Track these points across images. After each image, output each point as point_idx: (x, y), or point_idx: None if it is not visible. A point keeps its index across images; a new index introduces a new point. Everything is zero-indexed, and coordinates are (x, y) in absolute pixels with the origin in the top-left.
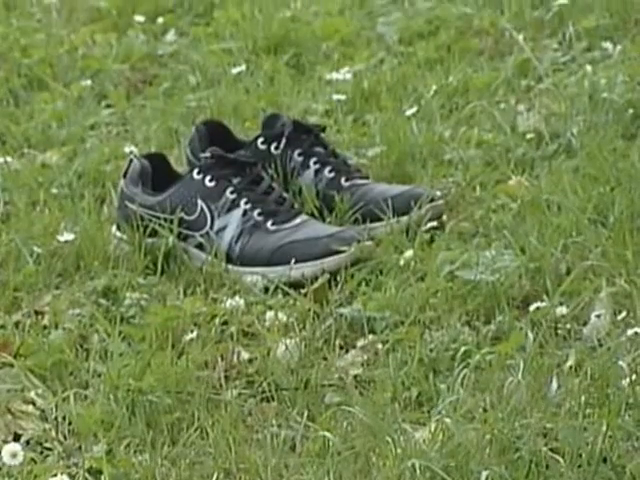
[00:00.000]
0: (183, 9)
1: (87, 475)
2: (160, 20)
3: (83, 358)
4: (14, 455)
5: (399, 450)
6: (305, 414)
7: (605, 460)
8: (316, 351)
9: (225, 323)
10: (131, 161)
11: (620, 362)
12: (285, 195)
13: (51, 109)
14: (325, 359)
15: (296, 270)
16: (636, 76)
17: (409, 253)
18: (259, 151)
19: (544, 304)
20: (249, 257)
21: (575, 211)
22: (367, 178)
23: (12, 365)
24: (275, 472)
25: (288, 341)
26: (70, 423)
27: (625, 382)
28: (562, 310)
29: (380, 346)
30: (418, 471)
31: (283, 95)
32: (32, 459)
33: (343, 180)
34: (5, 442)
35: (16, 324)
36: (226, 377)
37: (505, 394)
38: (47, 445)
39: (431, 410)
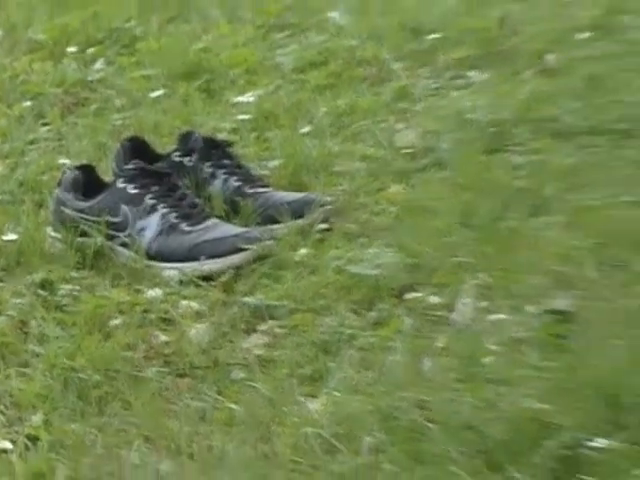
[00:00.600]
0: (110, 41)
1: (26, 441)
2: (90, 50)
3: (23, 340)
4: None
5: (295, 419)
6: (214, 388)
7: (470, 427)
8: (224, 334)
9: (146, 311)
10: (65, 171)
11: (483, 343)
12: (197, 201)
13: None
14: (231, 341)
15: (207, 265)
16: (496, 100)
17: (303, 251)
18: (175, 163)
19: (419, 294)
20: (167, 254)
21: (445, 215)
22: (268, 186)
23: None
24: (188, 438)
25: (200, 326)
26: (12, 396)
27: (487, 360)
28: (434, 299)
29: (279, 330)
30: (311, 437)
31: (196, 115)
32: None
33: (247, 188)
34: None
35: None
36: (146, 357)
37: (385, 371)
38: None
39: (322, 385)
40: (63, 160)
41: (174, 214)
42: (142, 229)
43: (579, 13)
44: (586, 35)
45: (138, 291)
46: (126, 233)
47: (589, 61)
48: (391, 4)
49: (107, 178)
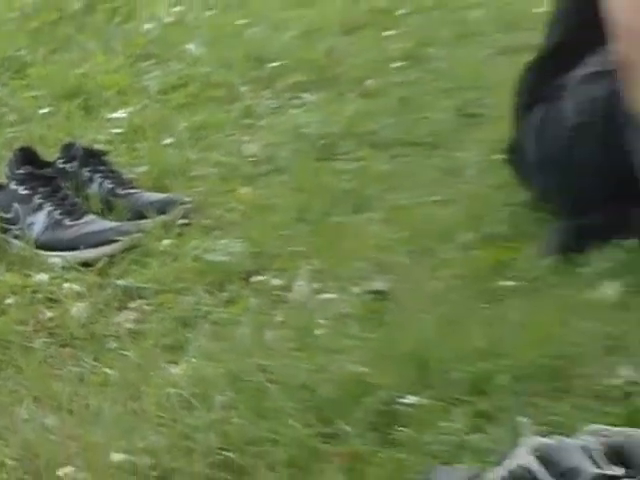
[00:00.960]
0: (4, 67)
1: None
2: None
3: None
4: None
5: (159, 381)
6: (92, 356)
7: (305, 387)
8: (100, 311)
9: (35, 291)
10: None
11: (315, 318)
12: (77, 200)
13: None
14: (106, 317)
15: (85, 254)
16: (326, 117)
17: (167, 242)
18: (59, 169)
19: (262, 277)
20: (52, 244)
21: (284, 212)
22: (137, 188)
23: None
24: (69, 398)
25: (80, 304)
26: None
27: (318, 332)
28: (275, 281)
29: (146, 307)
30: (173, 397)
31: (76, 129)
32: None
33: (120, 190)
34: None
35: None
36: (35, 330)
37: (234, 341)
38: None
39: (182, 353)
40: None
41: (58, 211)
42: (31, 224)
43: (393, 46)
44: (399, 64)
45: (28, 275)
46: (18, 227)
47: (401, 85)
48: (238, 38)
49: (2, 181)
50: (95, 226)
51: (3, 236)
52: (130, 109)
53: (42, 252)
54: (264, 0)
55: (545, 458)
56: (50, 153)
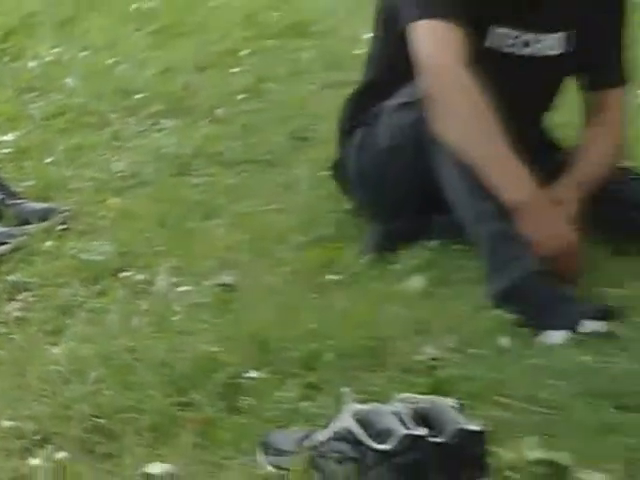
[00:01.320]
0: None
1: None
2: None
3: None
4: None
5: (42, 360)
6: None
7: (164, 364)
8: None
9: None
10: None
11: (173, 306)
12: None
13: None
14: None
15: None
16: (182, 140)
17: (49, 243)
18: None
19: (129, 273)
20: None
21: (147, 219)
22: (24, 199)
23: None
24: None
25: None
26: None
27: (176, 318)
28: (139, 277)
29: (31, 299)
30: (53, 373)
31: None
32: None
33: (9, 200)
34: None
35: None
36: None
37: (106, 326)
38: None
39: (62, 337)
40: None
41: None
42: None
43: (237, 81)
44: (242, 96)
45: None
46: None
47: (244, 114)
48: (108, 74)
49: None
50: None
51: None
52: (17, 133)
53: None
54: (130, 42)
55: (363, 421)
56: None
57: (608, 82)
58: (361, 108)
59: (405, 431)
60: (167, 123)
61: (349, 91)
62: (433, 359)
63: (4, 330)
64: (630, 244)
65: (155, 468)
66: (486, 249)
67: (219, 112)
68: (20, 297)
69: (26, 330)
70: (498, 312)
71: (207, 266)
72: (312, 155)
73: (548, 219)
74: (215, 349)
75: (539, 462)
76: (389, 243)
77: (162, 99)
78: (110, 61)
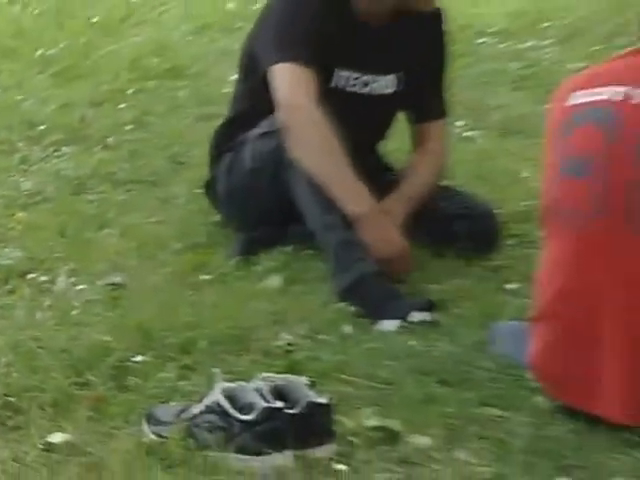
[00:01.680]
0: None
1: None
2: None
3: None
4: None
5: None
6: None
7: (65, 351)
8: None
9: None
10: None
11: (71, 302)
12: None
13: None
14: None
15: None
16: (79, 163)
17: None
18: None
19: (34, 275)
20: None
21: (49, 229)
22: None
23: None
24: None
25: None
26: None
27: (74, 312)
28: (43, 278)
29: None
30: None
31: None
32: None
33: None
34: None
35: None
36: None
37: (14, 319)
38: None
39: None
40: None
41: None
42: None
43: (125, 114)
44: (129, 127)
45: None
46: None
47: (131, 142)
48: (16, 109)
49: None
50: None
51: None
52: None
53: None
54: (35, 82)
55: (230, 396)
56: None
57: (431, 116)
58: (228, 137)
59: (265, 404)
60: (66, 150)
61: (218, 123)
62: (289, 344)
63: None
64: (447, 248)
65: (56, 437)
66: (332, 253)
67: (110, 140)
68: None
69: None
70: (342, 305)
71: (100, 269)
72: (188, 176)
73: (382, 228)
74: (107, 338)
75: (375, 428)
76: (252, 248)
77: (62, 129)
78: (18, 98)
